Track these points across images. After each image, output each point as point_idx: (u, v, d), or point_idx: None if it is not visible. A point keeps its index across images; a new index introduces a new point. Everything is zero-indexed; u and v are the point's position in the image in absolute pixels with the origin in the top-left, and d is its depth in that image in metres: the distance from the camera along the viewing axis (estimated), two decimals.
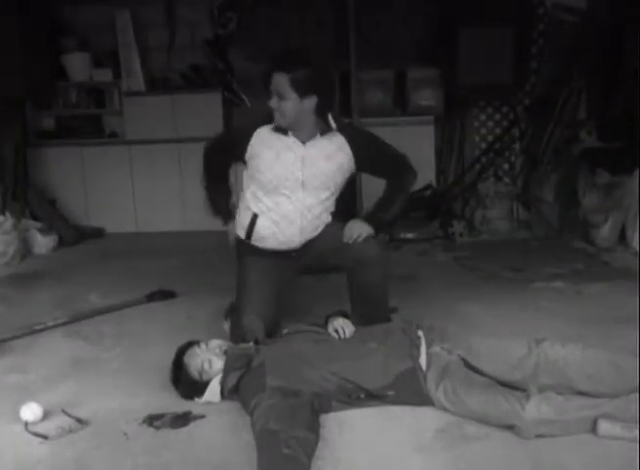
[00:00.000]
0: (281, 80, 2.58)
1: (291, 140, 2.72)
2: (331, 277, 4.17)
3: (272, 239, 2.81)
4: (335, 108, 2.84)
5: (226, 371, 2.36)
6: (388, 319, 2.86)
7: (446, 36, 5.29)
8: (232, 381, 2.33)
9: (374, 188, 5.34)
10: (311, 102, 2.63)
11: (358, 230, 2.77)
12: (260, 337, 2.60)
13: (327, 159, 2.74)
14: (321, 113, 2.69)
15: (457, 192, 5.57)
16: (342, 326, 2.48)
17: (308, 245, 2.84)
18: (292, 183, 2.73)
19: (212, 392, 2.37)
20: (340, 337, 2.45)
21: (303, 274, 3.04)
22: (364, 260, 2.72)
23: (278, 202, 2.76)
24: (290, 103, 2.60)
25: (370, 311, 2.77)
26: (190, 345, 2.47)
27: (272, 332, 2.72)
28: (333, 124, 2.74)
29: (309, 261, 2.89)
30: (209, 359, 2.38)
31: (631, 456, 1.91)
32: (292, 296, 3.44)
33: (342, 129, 2.77)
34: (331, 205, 2.87)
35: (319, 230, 2.84)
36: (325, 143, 2.74)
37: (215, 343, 2.46)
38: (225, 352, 2.42)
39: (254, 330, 2.67)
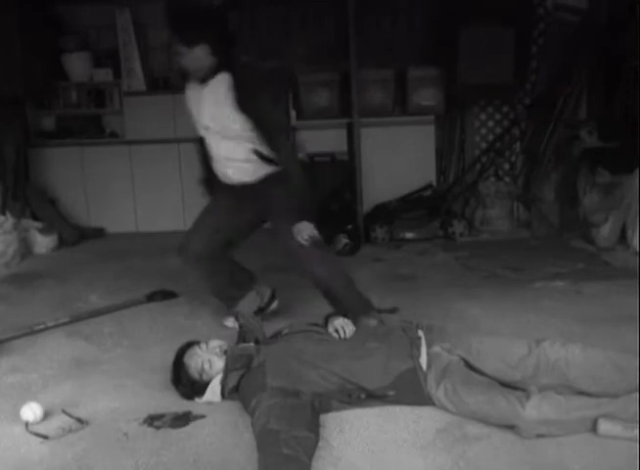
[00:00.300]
0: (175, 40, 2.83)
1: (194, 88, 2.90)
2: None
3: (218, 174, 3.04)
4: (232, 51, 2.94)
5: (226, 371, 2.36)
6: (367, 312, 2.93)
7: (447, 36, 5.29)
8: (232, 381, 2.33)
9: (374, 187, 5.38)
10: (201, 50, 2.76)
11: (304, 232, 2.88)
12: (260, 336, 2.60)
13: (216, 103, 2.83)
14: (219, 59, 2.80)
15: (457, 192, 5.57)
16: (343, 326, 2.48)
17: (254, 190, 2.95)
18: (200, 127, 2.95)
19: (213, 392, 2.37)
20: (340, 337, 2.45)
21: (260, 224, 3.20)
22: (304, 269, 2.94)
23: (207, 144, 2.99)
24: (183, 56, 2.80)
25: (342, 309, 2.80)
26: (190, 345, 2.47)
27: (212, 253, 3.05)
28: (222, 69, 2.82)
29: (258, 213, 3.06)
30: (210, 360, 2.38)
31: (632, 456, 1.91)
32: (291, 295, 3.46)
33: (235, 70, 2.84)
34: (251, 147, 2.87)
35: (255, 171, 2.93)
36: (217, 86, 2.83)
37: (215, 343, 2.46)
38: (225, 353, 2.42)
39: (254, 330, 2.67)
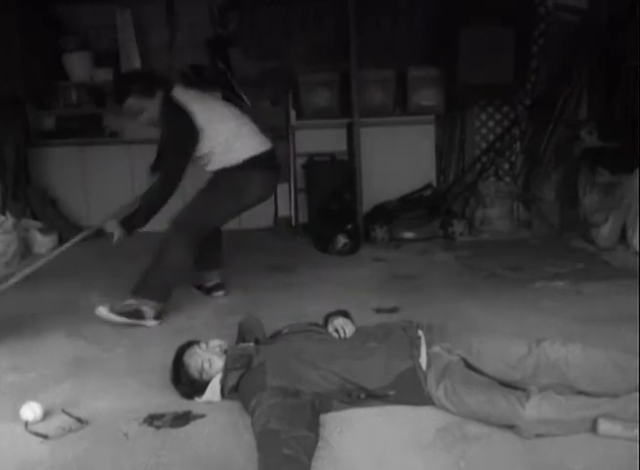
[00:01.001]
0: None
1: None
2: (329, 277, 4.18)
3: None
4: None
5: (226, 371, 2.36)
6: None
7: (447, 36, 5.29)
8: (232, 380, 2.33)
9: (374, 187, 5.38)
10: (132, 99, 3.34)
11: None
12: (260, 336, 2.60)
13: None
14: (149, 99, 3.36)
15: (457, 191, 5.57)
16: (343, 326, 2.48)
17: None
18: None
19: (213, 391, 2.37)
20: (340, 336, 2.44)
21: None
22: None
23: None
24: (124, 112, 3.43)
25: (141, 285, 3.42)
26: (190, 344, 2.47)
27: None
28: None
29: None
30: (210, 359, 2.38)
31: (632, 456, 1.91)
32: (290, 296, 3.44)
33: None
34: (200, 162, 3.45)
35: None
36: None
37: (215, 342, 2.46)
38: (225, 352, 2.42)
39: (254, 330, 2.67)
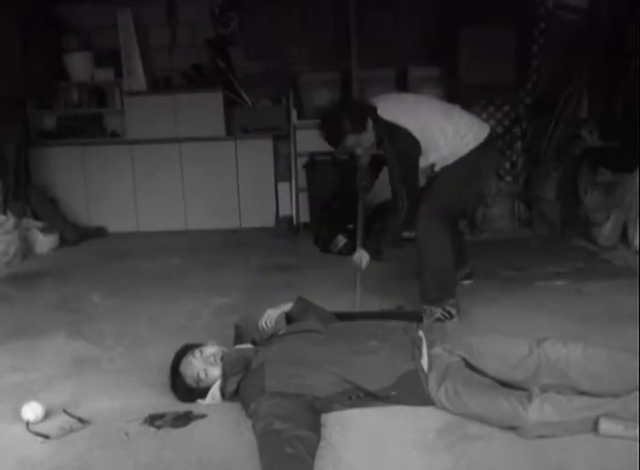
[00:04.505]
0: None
1: None
2: (330, 277, 4.17)
3: None
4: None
5: (225, 377, 2.34)
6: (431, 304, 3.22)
7: (448, 35, 5.29)
8: (232, 386, 2.30)
9: (374, 187, 5.36)
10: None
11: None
12: (257, 337, 2.59)
13: None
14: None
15: None
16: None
17: None
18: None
19: (213, 397, 2.35)
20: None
21: None
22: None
23: None
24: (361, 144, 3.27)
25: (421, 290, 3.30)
26: (185, 352, 2.43)
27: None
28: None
29: None
30: (205, 369, 2.35)
31: (632, 456, 1.90)
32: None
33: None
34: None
35: None
36: None
37: (209, 351, 2.40)
38: (222, 359, 2.38)
39: (251, 331, 2.65)
